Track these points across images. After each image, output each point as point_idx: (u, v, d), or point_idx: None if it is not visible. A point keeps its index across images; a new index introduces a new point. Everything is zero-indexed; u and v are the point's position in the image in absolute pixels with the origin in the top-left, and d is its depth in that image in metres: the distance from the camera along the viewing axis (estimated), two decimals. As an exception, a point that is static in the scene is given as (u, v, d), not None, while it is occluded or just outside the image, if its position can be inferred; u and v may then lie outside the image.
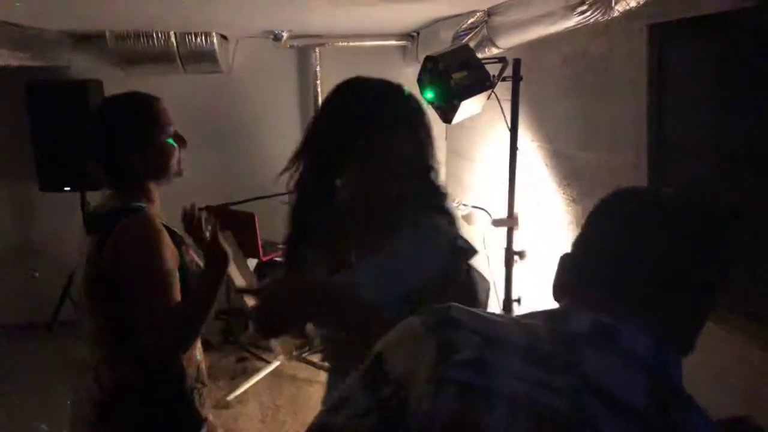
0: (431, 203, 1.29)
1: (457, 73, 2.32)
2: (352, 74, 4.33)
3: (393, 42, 4.25)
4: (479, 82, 2.33)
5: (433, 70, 2.40)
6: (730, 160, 1.52)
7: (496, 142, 3.24)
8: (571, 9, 2.04)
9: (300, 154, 1.33)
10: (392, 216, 1.26)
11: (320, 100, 4.37)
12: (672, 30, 1.57)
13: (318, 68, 4.33)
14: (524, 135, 3.06)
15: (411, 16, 3.50)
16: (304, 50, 4.36)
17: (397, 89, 1.30)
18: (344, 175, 1.30)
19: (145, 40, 3.58)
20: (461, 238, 1.27)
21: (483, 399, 0.60)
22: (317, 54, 4.30)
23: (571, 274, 0.76)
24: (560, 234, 2.67)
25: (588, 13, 1.99)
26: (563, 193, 2.66)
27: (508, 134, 3.08)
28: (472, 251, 1.27)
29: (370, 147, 1.23)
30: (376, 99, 1.26)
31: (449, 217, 1.29)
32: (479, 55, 3.00)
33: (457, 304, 0.71)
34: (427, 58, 2.42)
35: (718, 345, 1.62)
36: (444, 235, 1.25)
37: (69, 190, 3.97)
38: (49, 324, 4.24)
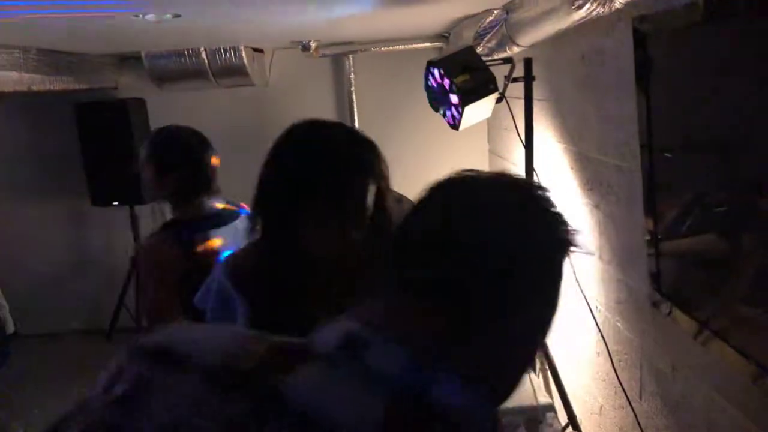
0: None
1: (459, 77, 2.22)
2: (387, 79, 4.31)
3: (427, 44, 4.16)
4: (483, 85, 2.22)
5: (436, 76, 2.32)
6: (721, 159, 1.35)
7: (537, 144, 3.08)
8: (570, 3, 1.90)
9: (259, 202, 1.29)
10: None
11: (355, 108, 4.41)
12: (654, 23, 1.41)
13: (352, 75, 4.31)
14: (550, 135, 2.90)
15: (437, 18, 3.41)
16: (337, 58, 4.36)
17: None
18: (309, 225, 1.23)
19: (177, 58, 3.69)
20: None
21: None
22: (350, 61, 4.28)
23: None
24: (585, 242, 2.50)
25: (587, 7, 1.84)
26: (587, 198, 2.48)
27: (545, 137, 2.94)
28: None
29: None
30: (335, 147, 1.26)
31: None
32: (501, 55, 2.88)
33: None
34: (429, 63, 2.33)
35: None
36: None
37: (118, 204, 4.16)
38: (108, 332, 4.46)
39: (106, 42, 3.23)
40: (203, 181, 1.82)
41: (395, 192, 4.50)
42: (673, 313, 1.62)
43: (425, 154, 4.53)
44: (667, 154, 1.61)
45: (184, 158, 1.80)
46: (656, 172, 1.70)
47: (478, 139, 4.59)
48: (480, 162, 4.63)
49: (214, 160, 1.89)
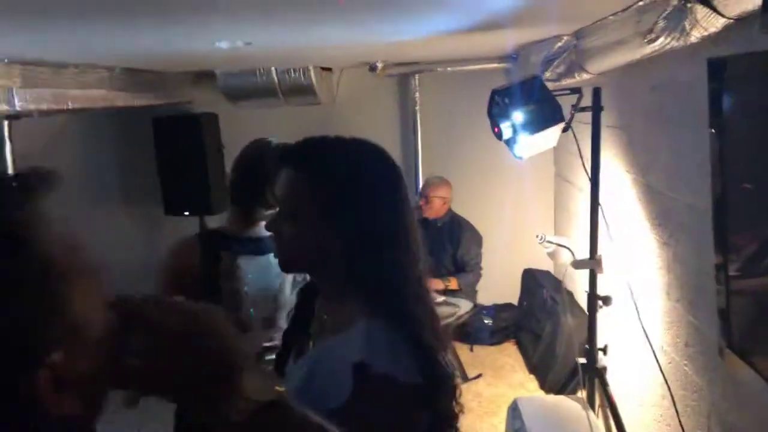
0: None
1: (524, 107, 2.19)
2: (452, 99, 4.31)
3: (494, 65, 4.12)
4: (548, 116, 2.19)
5: (501, 104, 2.29)
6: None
7: (604, 172, 3.00)
8: (642, 36, 1.84)
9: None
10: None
11: (419, 127, 4.42)
12: (732, 64, 1.35)
13: (417, 95, 4.33)
14: (618, 164, 2.81)
15: (505, 40, 3.37)
16: (403, 78, 4.39)
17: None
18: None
19: (249, 77, 3.82)
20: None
21: None
22: (416, 81, 4.30)
23: None
24: (650, 279, 2.40)
25: (661, 41, 1.78)
26: (655, 234, 2.38)
27: (614, 166, 2.85)
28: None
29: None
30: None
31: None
32: (569, 80, 2.83)
33: None
34: (494, 92, 2.31)
35: None
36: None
37: (188, 215, 4.33)
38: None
39: (183, 62, 3.39)
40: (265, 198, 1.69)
41: (457, 216, 4.39)
42: (737, 366, 1.53)
43: (490, 176, 4.48)
44: (743, 187, 1.53)
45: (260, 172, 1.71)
46: (729, 210, 1.62)
47: (544, 162, 4.49)
48: (546, 185, 4.53)
49: None
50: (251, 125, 4.72)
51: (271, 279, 1.65)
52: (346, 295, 1.05)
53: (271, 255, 1.63)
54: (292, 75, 3.81)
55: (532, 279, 4.29)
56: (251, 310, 1.66)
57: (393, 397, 0.94)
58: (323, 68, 4.16)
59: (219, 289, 1.62)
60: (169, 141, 4.28)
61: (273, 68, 3.82)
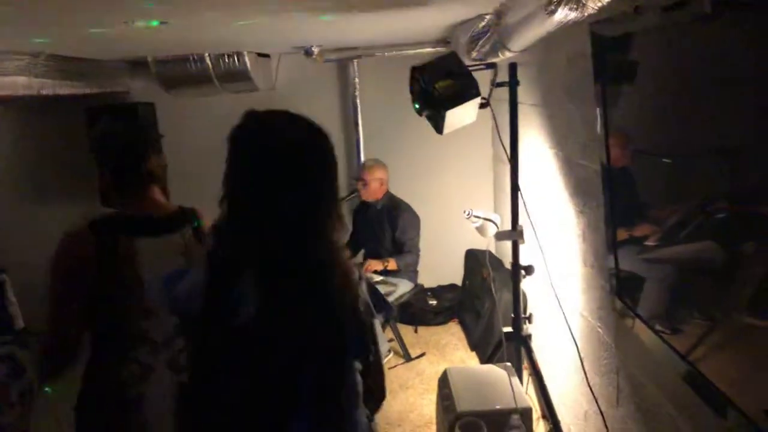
0: None
1: (440, 82, 2.24)
2: (392, 84, 4.29)
3: (429, 49, 4.17)
4: (465, 91, 2.24)
5: (420, 81, 2.34)
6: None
7: (529, 150, 3.09)
8: (544, 8, 1.91)
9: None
10: None
11: (359, 113, 4.44)
12: (610, 27, 1.42)
13: (357, 80, 4.35)
14: (541, 141, 2.90)
15: (434, 23, 3.42)
16: (343, 64, 4.41)
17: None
18: None
19: (182, 63, 3.77)
20: None
21: None
22: (355, 67, 4.32)
23: None
24: (569, 248, 2.49)
25: (560, 12, 1.84)
26: (573, 204, 2.47)
27: (537, 143, 2.94)
28: None
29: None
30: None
31: None
32: (494, 60, 2.89)
33: None
34: (413, 69, 2.36)
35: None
36: None
37: (127, 206, 4.26)
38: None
39: (110, 48, 3.33)
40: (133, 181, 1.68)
41: (396, 198, 4.46)
42: (631, 319, 1.61)
43: (431, 160, 4.55)
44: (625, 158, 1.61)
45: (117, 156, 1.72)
46: (613, 176, 1.70)
47: (482, 145, 4.58)
48: (484, 167, 4.63)
49: (153, 161, 1.74)
50: (189, 114, 4.67)
51: (171, 260, 1.58)
52: None
53: (171, 235, 1.65)
54: (226, 61, 3.78)
55: (473, 259, 4.38)
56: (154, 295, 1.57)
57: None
58: (260, 54, 4.14)
59: (121, 276, 1.55)
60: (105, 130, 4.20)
61: (206, 54, 3.78)
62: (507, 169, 4.21)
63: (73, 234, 1.58)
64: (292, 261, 1.17)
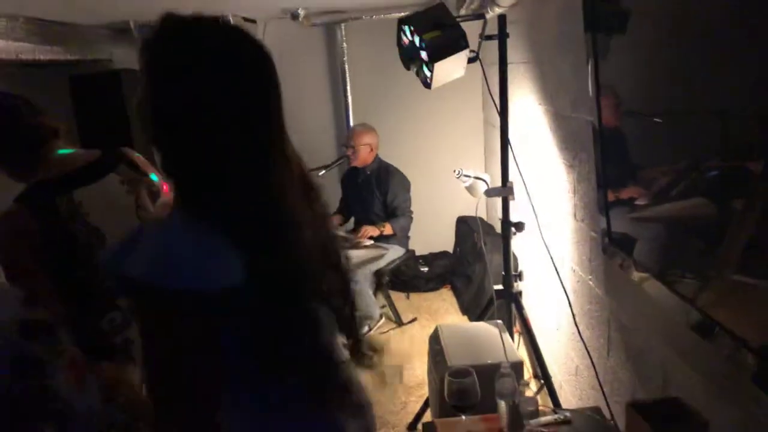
0: None
1: (428, 34, 2.19)
2: (380, 48, 4.26)
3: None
4: (453, 42, 2.19)
5: (407, 33, 2.29)
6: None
7: (520, 108, 3.05)
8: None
9: None
10: None
11: (348, 78, 4.37)
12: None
13: (344, 45, 4.28)
14: (531, 99, 2.86)
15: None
16: (330, 28, 4.33)
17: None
18: None
19: (165, 27, 3.69)
20: None
21: None
22: (342, 31, 4.25)
23: None
24: (559, 203, 2.47)
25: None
26: (562, 158, 2.45)
27: (528, 100, 2.90)
28: None
29: None
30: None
31: None
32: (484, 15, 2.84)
33: None
34: (400, 21, 2.31)
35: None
36: None
37: (114, 176, 4.20)
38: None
39: (91, 10, 3.24)
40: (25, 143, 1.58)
41: (385, 162, 4.42)
42: (623, 261, 1.60)
43: (421, 125, 4.51)
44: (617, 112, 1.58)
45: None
46: (604, 126, 1.67)
47: (473, 109, 4.54)
48: (475, 131, 4.59)
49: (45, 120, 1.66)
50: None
51: (119, 200, 1.54)
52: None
53: (107, 177, 1.58)
54: (211, 24, 3.70)
55: (464, 226, 4.37)
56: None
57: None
58: (246, 19, 4.06)
59: (74, 234, 1.49)
60: (87, 100, 4.12)
61: (190, 18, 3.70)
62: (497, 132, 4.21)
63: (4, 215, 1.49)
64: (263, 215, 0.93)
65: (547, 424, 1.66)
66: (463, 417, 1.63)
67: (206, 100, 0.90)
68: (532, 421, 1.63)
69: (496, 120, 4.07)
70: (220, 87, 0.92)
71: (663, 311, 1.45)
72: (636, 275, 1.57)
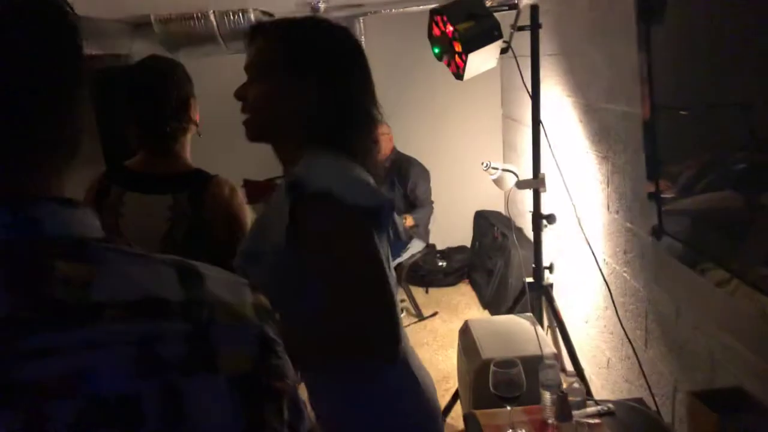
0: None
1: (462, 24, 2.18)
2: (399, 43, 4.26)
3: (438, 6, 4.08)
4: (487, 32, 2.18)
5: (439, 24, 2.28)
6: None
7: (547, 101, 3.03)
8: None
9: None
10: None
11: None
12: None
13: (363, 39, 4.26)
14: (559, 91, 2.84)
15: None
16: (349, 21, 4.31)
17: None
18: None
19: (186, 21, 3.68)
20: None
21: None
22: (361, 24, 4.23)
23: None
24: (592, 195, 2.45)
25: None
26: (595, 150, 2.43)
27: (555, 93, 2.88)
28: None
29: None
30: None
31: None
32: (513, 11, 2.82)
33: None
34: (432, 11, 2.29)
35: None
36: None
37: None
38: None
39: (111, 4, 3.23)
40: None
41: (402, 153, 4.42)
42: (681, 252, 1.58)
43: (439, 120, 4.49)
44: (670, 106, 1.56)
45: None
46: (657, 120, 1.65)
47: (492, 104, 4.52)
48: (494, 126, 4.57)
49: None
50: (193, 75, 4.57)
51: (154, 220, 1.56)
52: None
53: (161, 196, 1.59)
54: (231, 18, 3.69)
55: (483, 220, 4.36)
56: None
57: (338, 214, 1.02)
58: (265, 13, 4.04)
59: (103, 223, 1.52)
60: (107, 94, 4.11)
61: (211, 12, 3.69)
62: (517, 128, 4.19)
63: (97, 178, 1.71)
64: None
65: (592, 416, 1.65)
66: (508, 408, 1.62)
67: (353, 77, 1.21)
68: (577, 412, 1.62)
69: (518, 114, 4.08)
70: (358, 66, 1.22)
71: (726, 301, 1.44)
72: (697, 265, 1.54)
